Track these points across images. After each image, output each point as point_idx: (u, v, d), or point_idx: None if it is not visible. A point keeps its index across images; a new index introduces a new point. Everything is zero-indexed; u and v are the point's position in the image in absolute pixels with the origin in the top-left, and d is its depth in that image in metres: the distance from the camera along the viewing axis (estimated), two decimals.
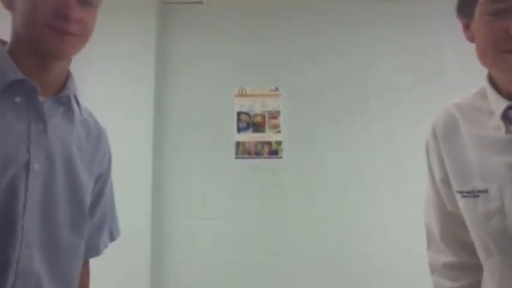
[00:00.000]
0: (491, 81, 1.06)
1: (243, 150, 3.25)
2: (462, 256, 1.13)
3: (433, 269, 1.19)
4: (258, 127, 3.27)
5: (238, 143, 3.25)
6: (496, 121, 1.02)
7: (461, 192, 1.04)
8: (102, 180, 1.24)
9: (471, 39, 1.04)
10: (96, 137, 1.26)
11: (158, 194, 3.17)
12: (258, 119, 3.28)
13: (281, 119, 3.27)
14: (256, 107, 3.29)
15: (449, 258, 1.15)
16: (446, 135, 1.10)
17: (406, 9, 3.22)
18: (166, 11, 3.37)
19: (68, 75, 1.12)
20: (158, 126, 3.21)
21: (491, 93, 1.04)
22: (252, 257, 3.16)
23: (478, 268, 1.09)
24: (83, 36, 1.05)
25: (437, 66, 3.12)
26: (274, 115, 3.28)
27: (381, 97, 3.18)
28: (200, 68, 3.33)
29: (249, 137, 3.26)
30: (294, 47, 3.33)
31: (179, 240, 3.18)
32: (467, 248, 1.10)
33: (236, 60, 3.32)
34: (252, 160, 3.23)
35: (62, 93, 1.09)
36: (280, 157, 3.23)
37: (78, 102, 1.18)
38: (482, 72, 1.10)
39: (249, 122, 3.27)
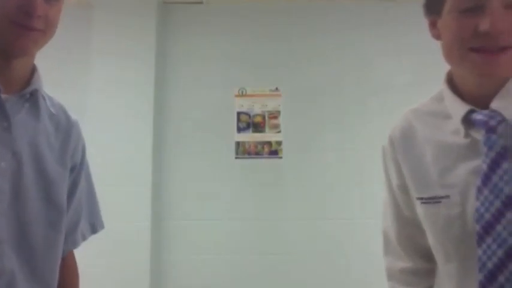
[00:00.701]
0: (451, 84, 1.05)
1: (243, 150, 3.25)
2: (418, 261, 1.13)
3: (390, 275, 1.19)
4: (258, 127, 3.27)
5: (238, 143, 3.25)
6: (454, 125, 1.01)
7: (421, 198, 1.03)
8: (76, 172, 1.21)
9: (437, 37, 1.02)
10: (66, 130, 1.22)
11: (158, 194, 3.17)
12: (258, 119, 3.28)
13: (281, 119, 3.27)
14: (256, 107, 3.29)
15: (405, 263, 1.15)
16: (403, 143, 1.09)
17: (406, 9, 3.22)
18: (166, 11, 3.37)
19: (33, 71, 1.12)
20: (158, 126, 3.21)
21: (450, 96, 1.03)
22: (252, 257, 3.16)
23: (432, 273, 1.09)
24: (47, 32, 1.05)
25: (437, 66, 3.12)
26: (274, 115, 3.28)
27: (381, 97, 3.18)
28: (200, 68, 3.33)
29: (249, 137, 3.26)
30: (294, 47, 3.33)
31: (179, 240, 3.18)
32: (423, 253, 1.10)
33: (236, 60, 3.32)
34: (252, 160, 3.23)
35: (26, 89, 1.07)
36: (280, 157, 3.23)
37: (45, 98, 1.16)
38: None
39: (249, 122, 3.27)
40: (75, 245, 1.29)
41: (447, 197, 0.98)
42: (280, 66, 3.32)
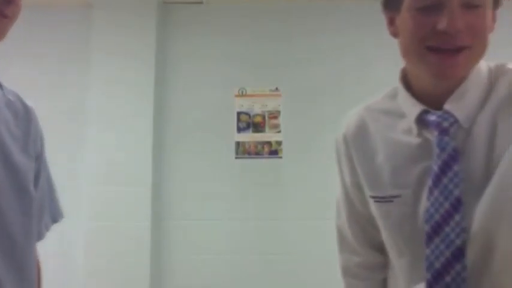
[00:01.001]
0: (405, 82, 1.05)
1: (243, 150, 3.25)
2: (372, 255, 1.15)
3: (345, 271, 1.21)
4: (258, 127, 3.27)
5: (238, 143, 3.25)
6: (407, 124, 1.01)
7: (375, 197, 1.04)
8: (39, 161, 1.18)
9: (395, 34, 1.01)
10: (26, 118, 1.19)
11: (158, 194, 3.17)
12: (258, 119, 3.28)
13: (281, 119, 3.27)
14: (256, 107, 3.29)
15: (361, 258, 1.17)
16: (357, 140, 1.09)
17: None
18: (166, 11, 3.37)
19: None
20: (158, 126, 3.21)
21: (404, 95, 1.03)
22: (252, 257, 3.16)
23: (385, 266, 1.13)
24: (13, 18, 1.03)
25: None
26: (274, 115, 3.28)
27: None
28: (200, 68, 3.33)
29: (249, 137, 3.26)
30: (294, 47, 3.33)
31: (179, 240, 3.19)
32: (377, 247, 1.12)
33: (236, 60, 3.32)
34: (252, 160, 3.23)
35: None
36: (280, 157, 3.23)
37: (1, 85, 1.13)
38: None
39: (249, 122, 3.27)
40: (41, 236, 1.24)
41: (399, 196, 0.99)
42: (280, 66, 3.32)
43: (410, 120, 1.00)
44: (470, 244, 0.91)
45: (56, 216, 1.30)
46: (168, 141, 3.27)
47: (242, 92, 3.30)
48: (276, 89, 3.30)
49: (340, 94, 3.26)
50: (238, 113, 3.29)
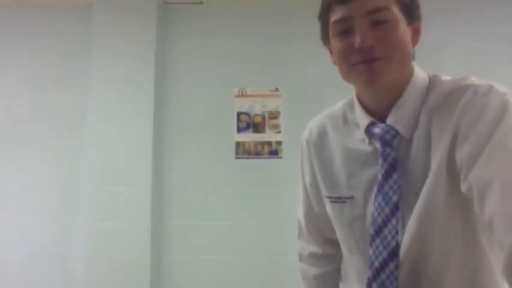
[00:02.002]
0: (358, 96, 1.14)
1: (243, 151, 3.25)
2: (326, 248, 1.30)
3: (301, 257, 1.38)
4: (258, 127, 3.27)
5: (238, 143, 3.25)
6: (361, 134, 1.10)
7: (330, 197, 1.14)
8: None
9: (334, 62, 1.12)
10: None
11: (158, 194, 3.17)
12: (258, 119, 3.28)
13: (281, 119, 3.27)
14: (256, 107, 3.29)
15: (315, 249, 1.32)
16: (317, 144, 1.19)
17: None
18: (166, 10, 3.37)
19: None
20: (158, 126, 3.21)
21: (357, 107, 1.12)
22: (252, 257, 3.16)
23: (339, 257, 1.25)
24: None
25: (437, 66, 3.12)
26: (274, 115, 3.28)
27: None
28: (200, 68, 3.33)
29: (249, 137, 3.26)
30: (294, 47, 3.33)
31: (179, 240, 3.18)
32: (330, 242, 1.26)
33: (236, 60, 3.32)
34: (252, 160, 3.23)
35: None
36: (280, 157, 3.23)
37: None
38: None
39: (249, 122, 3.27)
40: None
41: (351, 197, 1.09)
42: (280, 66, 3.32)
43: (362, 130, 1.09)
44: (405, 248, 0.99)
45: None
46: (168, 141, 3.27)
47: (242, 92, 3.30)
48: (276, 89, 3.30)
49: (340, 94, 3.24)
50: (238, 113, 3.29)
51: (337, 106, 1.23)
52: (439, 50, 3.10)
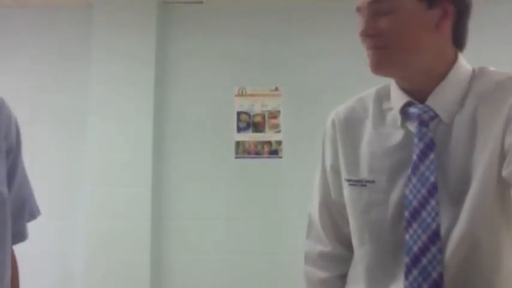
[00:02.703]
0: None
1: (243, 150, 3.25)
2: (337, 247, 1.19)
3: (307, 258, 1.25)
4: (258, 127, 3.27)
5: (238, 143, 3.25)
6: (393, 116, 1.07)
7: (349, 180, 1.09)
8: (14, 154, 1.10)
9: None
10: None
11: (158, 194, 3.17)
12: (258, 118, 3.28)
13: (281, 119, 3.27)
14: (256, 107, 3.29)
15: (325, 248, 1.21)
16: (345, 126, 1.15)
17: None
18: (166, 10, 3.37)
19: None
20: (158, 125, 3.21)
21: (394, 88, 1.10)
22: (252, 257, 3.16)
23: (347, 261, 1.16)
24: None
25: None
26: (274, 115, 3.28)
27: None
28: (200, 67, 3.33)
29: (249, 136, 3.26)
30: (294, 47, 3.33)
31: (179, 240, 3.18)
32: (343, 239, 1.17)
33: (236, 60, 3.32)
34: (252, 160, 3.23)
35: None
36: (280, 157, 3.23)
37: None
38: None
39: (249, 122, 3.27)
40: (24, 235, 1.15)
41: (372, 182, 1.04)
42: (280, 66, 3.32)
43: (396, 111, 1.07)
44: (456, 238, 0.94)
45: (34, 212, 1.20)
46: (168, 141, 3.26)
47: (242, 92, 3.30)
48: (276, 88, 3.30)
49: (340, 94, 3.24)
50: (238, 113, 3.29)
51: (369, 91, 1.19)
52: None
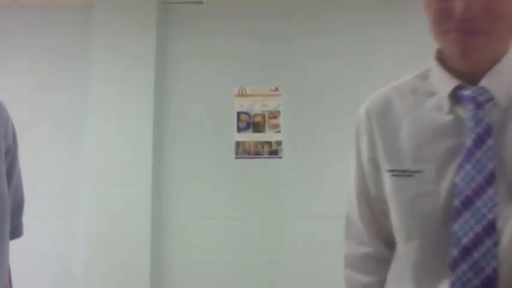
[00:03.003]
0: (441, 60, 1.03)
1: (243, 150, 3.25)
2: (379, 247, 1.10)
3: (348, 261, 1.14)
4: (258, 127, 3.27)
5: (238, 143, 3.25)
6: (437, 101, 0.99)
7: (393, 171, 1.00)
8: (11, 155, 1.13)
9: (429, 20, 1.02)
10: None
11: (158, 194, 3.17)
12: (258, 119, 3.28)
13: (281, 119, 3.27)
14: (256, 107, 3.29)
15: (367, 248, 1.11)
16: (380, 115, 1.06)
17: (406, 9, 3.22)
18: (166, 10, 3.37)
19: None
20: (158, 126, 3.21)
21: (438, 72, 1.02)
22: (252, 257, 3.16)
23: (389, 263, 1.08)
24: None
25: None
26: (274, 115, 3.28)
27: None
28: (200, 67, 3.33)
29: (249, 137, 3.26)
30: (294, 47, 3.33)
31: (179, 240, 3.18)
32: (385, 238, 1.08)
33: (236, 60, 3.32)
34: (252, 160, 3.23)
35: None
36: (280, 157, 3.23)
37: None
38: None
39: (249, 122, 3.27)
40: (20, 232, 1.19)
41: (420, 172, 0.96)
42: (280, 66, 3.32)
43: (442, 96, 0.98)
44: (505, 225, 0.88)
45: (18, 232, 1.23)
46: (168, 141, 3.26)
47: (242, 92, 3.30)
48: (276, 89, 3.30)
49: (340, 94, 3.26)
50: (238, 113, 3.29)
51: (404, 79, 1.11)
52: None
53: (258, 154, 3.24)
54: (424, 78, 1.05)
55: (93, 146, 3.11)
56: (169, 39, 3.35)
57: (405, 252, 0.99)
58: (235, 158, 3.24)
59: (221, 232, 3.18)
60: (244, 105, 3.29)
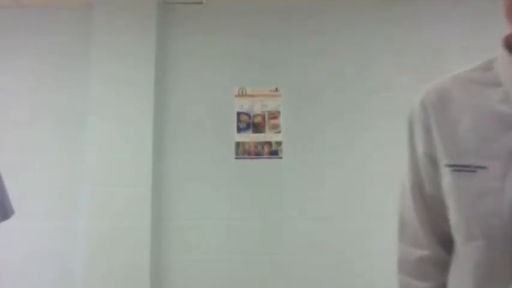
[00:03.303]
0: (510, 49, 0.95)
1: (243, 151, 3.25)
2: (438, 250, 1.02)
3: (401, 266, 1.06)
4: (258, 127, 3.27)
5: (238, 143, 3.25)
6: (504, 93, 0.92)
7: (453, 165, 0.93)
8: None
9: None
10: None
11: (158, 194, 3.17)
12: (258, 119, 3.28)
13: (281, 119, 3.27)
14: (256, 107, 3.29)
15: (425, 251, 1.03)
16: (437, 107, 0.98)
17: (406, 9, 3.23)
18: (166, 10, 3.37)
19: None
20: (158, 126, 3.21)
21: (507, 61, 0.94)
22: (251, 257, 3.16)
23: (448, 267, 1.00)
24: None
25: (438, 66, 3.12)
26: (274, 115, 3.28)
27: (381, 97, 3.18)
28: (200, 67, 3.33)
29: (249, 137, 3.26)
30: (294, 47, 3.33)
31: (179, 240, 3.18)
32: (444, 240, 1.01)
33: (236, 60, 3.32)
34: (252, 160, 3.23)
35: None
36: (280, 157, 3.23)
37: None
38: None
39: (249, 122, 3.27)
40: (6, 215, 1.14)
41: (484, 167, 0.89)
42: (280, 66, 3.32)
43: (510, 87, 0.91)
44: None
45: (7, 212, 1.21)
46: (168, 142, 3.27)
47: (242, 92, 3.30)
48: (276, 89, 3.30)
49: (340, 94, 3.26)
50: (238, 113, 3.29)
51: (464, 70, 1.02)
52: (443, 51, 3.10)
53: (258, 154, 3.24)
54: (485, 70, 0.98)
55: (93, 146, 3.11)
56: (169, 39, 3.36)
57: (466, 253, 0.92)
58: (235, 158, 3.24)
59: (221, 232, 3.18)
60: (244, 105, 3.29)
